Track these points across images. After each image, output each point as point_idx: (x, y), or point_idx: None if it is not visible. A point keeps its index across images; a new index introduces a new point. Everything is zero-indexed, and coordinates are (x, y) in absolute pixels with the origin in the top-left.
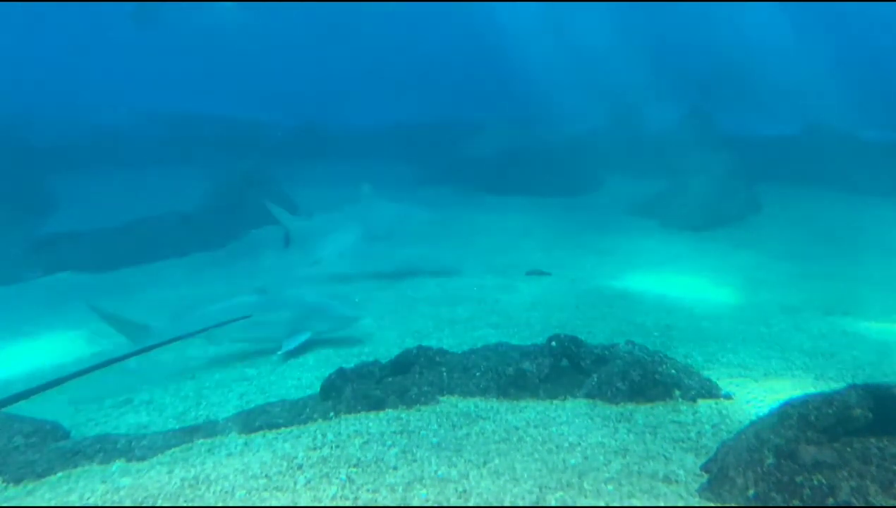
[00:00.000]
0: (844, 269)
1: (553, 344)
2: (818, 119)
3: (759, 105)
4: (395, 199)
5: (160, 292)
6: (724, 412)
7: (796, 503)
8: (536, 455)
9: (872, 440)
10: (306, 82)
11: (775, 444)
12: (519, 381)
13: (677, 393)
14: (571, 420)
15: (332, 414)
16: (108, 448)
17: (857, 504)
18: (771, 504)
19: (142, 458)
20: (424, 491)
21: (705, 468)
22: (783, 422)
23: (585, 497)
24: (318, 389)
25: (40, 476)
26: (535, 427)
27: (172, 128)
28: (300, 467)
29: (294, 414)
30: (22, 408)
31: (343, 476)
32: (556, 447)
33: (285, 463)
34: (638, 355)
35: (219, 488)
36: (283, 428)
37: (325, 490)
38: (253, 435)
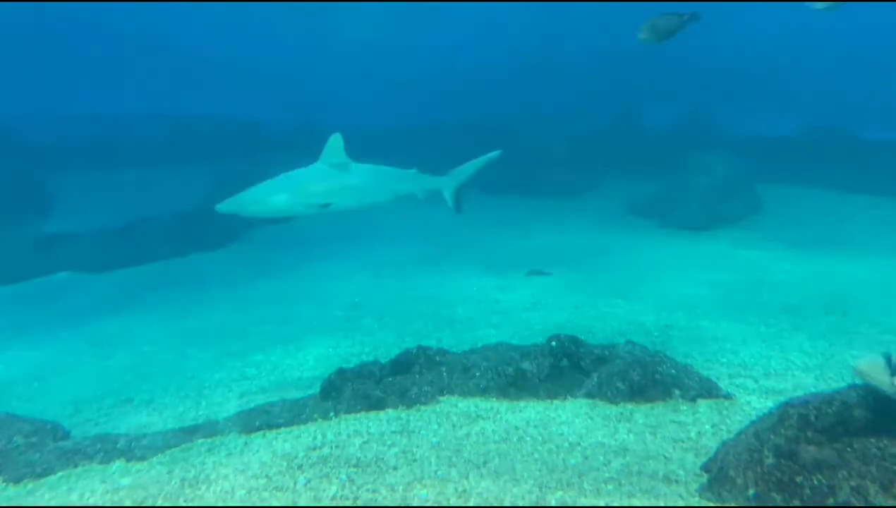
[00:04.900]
0: (844, 269)
1: (553, 344)
2: (818, 119)
3: (759, 104)
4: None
5: (161, 293)
6: (724, 412)
7: (796, 503)
8: (536, 455)
9: (872, 440)
10: (306, 82)
11: (775, 444)
12: (519, 381)
13: (677, 392)
14: (571, 420)
15: (332, 413)
16: (108, 448)
17: (857, 504)
18: (771, 504)
19: (142, 458)
20: (424, 491)
21: (705, 468)
22: (783, 422)
23: (585, 497)
24: (318, 389)
25: (40, 476)
26: (535, 427)
27: (172, 128)
28: (300, 467)
29: (294, 414)
30: (22, 408)
31: (343, 476)
32: (556, 447)
33: (285, 463)
34: (638, 355)
35: (219, 488)
36: (283, 428)
37: (325, 490)
38: (253, 435)
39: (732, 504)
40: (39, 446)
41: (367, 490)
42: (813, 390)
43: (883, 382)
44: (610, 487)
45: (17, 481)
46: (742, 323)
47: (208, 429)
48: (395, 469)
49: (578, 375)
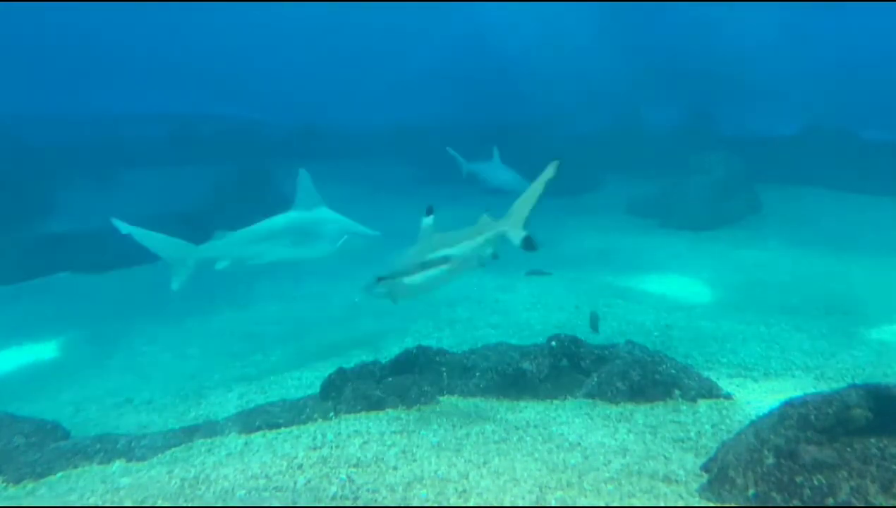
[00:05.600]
0: (844, 269)
1: (553, 344)
2: (818, 119)
3: (759, 104)
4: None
5: (161, 293)
6: (724, 412)
7: (796, 503)
8: (536, 455)
9: (872, 440)
10: (306, 82)
11: (775, 444)
12: (519, 381)
13: (677, 392)
14: (571, 420)
15: (332, 413)
16: (108, 448)
17: (857, 504)
18: (771, 504)
19: (142, 458)
20: (424, 491)
21: (705, 468)
22: (783, 422)
23: (585, 496)
24: (318, 389)
25: (40, 476)
26: (535, 427)
27: (172, 128)
28: (300, 467)
29: (294, 413)
30: (22, 408)
31: (343, 476)
32: (556, 447)
33: (285, 463)
34: (638, 355)
35: (219, 488)
36: (283, 428)
37: (325, 490)
38: (253, 435)
39: (732, 504)
40: (39, 446)
41: (367, 490)
42: (813, 390)
43: None
44: (610, 487)
45: (17, 481)
46: (742, 323)
47: (208, 429)
48: (395, 469)
49: (578, 375)
